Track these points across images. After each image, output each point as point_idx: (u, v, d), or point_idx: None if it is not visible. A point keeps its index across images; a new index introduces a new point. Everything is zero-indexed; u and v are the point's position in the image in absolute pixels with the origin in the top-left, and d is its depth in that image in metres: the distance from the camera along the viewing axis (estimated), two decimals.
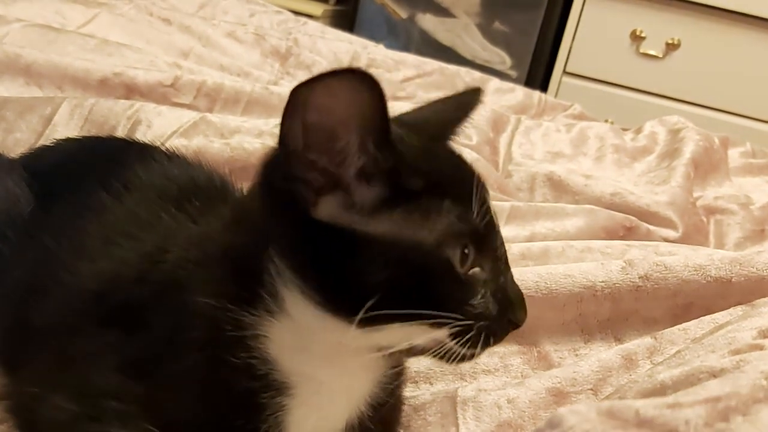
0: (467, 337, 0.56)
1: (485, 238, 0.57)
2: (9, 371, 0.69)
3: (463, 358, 0.58)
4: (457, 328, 0.55)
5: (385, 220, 0.53)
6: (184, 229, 0.66)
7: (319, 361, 0.58)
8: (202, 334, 0.58)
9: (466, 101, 0.66)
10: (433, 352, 0.57)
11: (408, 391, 0.75)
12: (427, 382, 0.81)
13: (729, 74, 2.69)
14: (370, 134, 0.51)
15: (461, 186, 0.56)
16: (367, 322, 0.53)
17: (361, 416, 0.63)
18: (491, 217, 0.58)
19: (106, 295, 0.63)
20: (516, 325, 0.59)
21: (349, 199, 0.53)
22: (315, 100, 0.49)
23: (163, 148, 0.81)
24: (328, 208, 0.53)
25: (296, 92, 0.49)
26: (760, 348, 0.62)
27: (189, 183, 0.73)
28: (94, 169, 0.76)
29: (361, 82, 0.49)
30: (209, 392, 0.58)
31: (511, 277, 0.60)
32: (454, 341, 0.56)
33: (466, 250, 0.55)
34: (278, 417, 0.59)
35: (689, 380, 0.59)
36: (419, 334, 0.55)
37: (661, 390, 0.60)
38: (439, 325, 0.55)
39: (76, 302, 0.64)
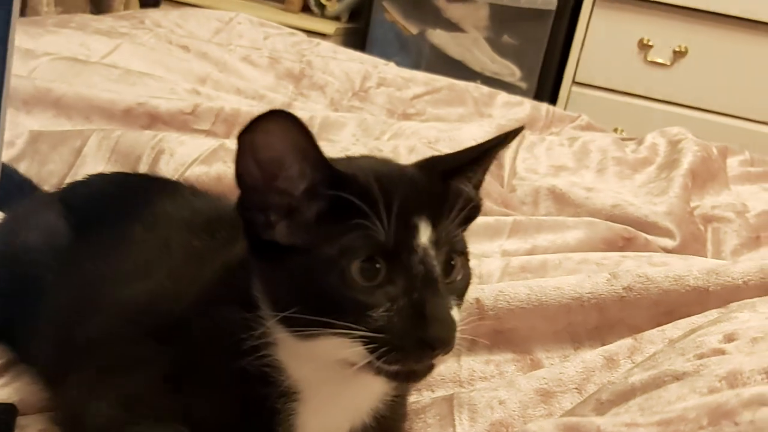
0: (378, 351, 0.58)
1: (397, 255, 0.60)
2: (55, 385, 0.77)
3: (400, 377, 0.61)
4: (364, 341, 0.58)
5: (314, 233, 0.61)
6: (215, 252, 0.75)
7: (313, 368, 0.66)
8: (227, 343, 0.66)
9: (493, 143, 0.68)
10: (372, 370, 0.60)
11: (411, 398, 0.82)
12: (429, 390, 0.88)
13: (737, 80, 2.74)
14: (306, 159, 0.61)
15: (382, 205, 0.60)
16: (297, 331, 0.61)
17: (364, 427, 0.71)
18: (411, 237, 0.60)
19: (151, 308, 0.72)
20: (430, 345, 0.59)
21: (299, 218, 0.62)
22: (258, 140, 0.60)
23: (185, 185, 0.91)
24: (282, 230, 0.62)
25: (241, 138, 0.60)
26: (722, 352, 0.68)
27: (215, 214, 0.82)
28: (127, 204, 0.85)
29: (285, 120, 0.59)
30: (234, 400, 0.67)
31: (437, 298, 0.60)
32: (375, 357, 0.59)
33: (377, 265, 0.60)
34: (290, 420, 0.67)
35: (655, 383, 0.66)
36: (342, 346, 0.60)
37: (631, 392, 0.67)
38: (349, 336, 0.59)
39: (124, 316, 0.73)
